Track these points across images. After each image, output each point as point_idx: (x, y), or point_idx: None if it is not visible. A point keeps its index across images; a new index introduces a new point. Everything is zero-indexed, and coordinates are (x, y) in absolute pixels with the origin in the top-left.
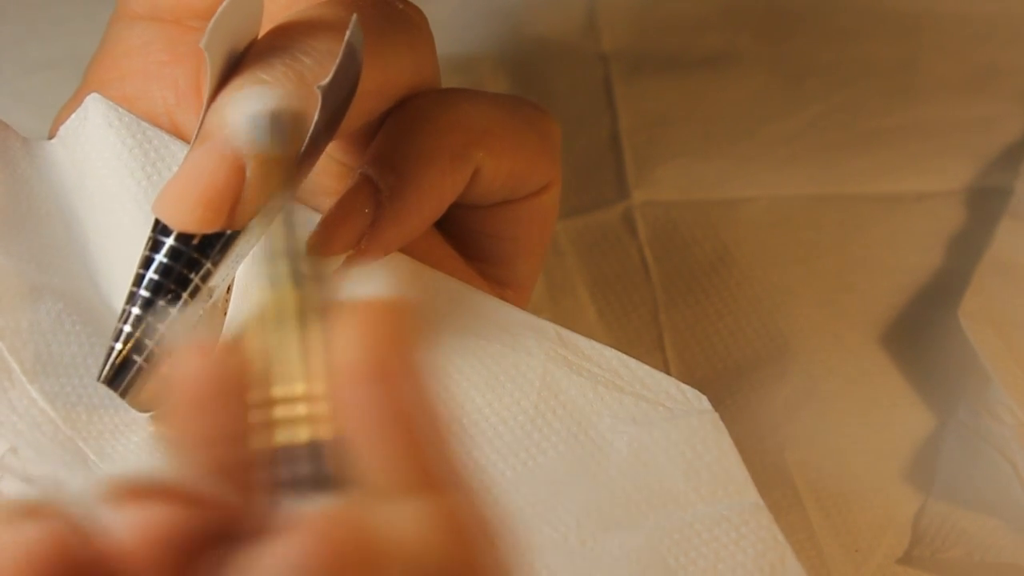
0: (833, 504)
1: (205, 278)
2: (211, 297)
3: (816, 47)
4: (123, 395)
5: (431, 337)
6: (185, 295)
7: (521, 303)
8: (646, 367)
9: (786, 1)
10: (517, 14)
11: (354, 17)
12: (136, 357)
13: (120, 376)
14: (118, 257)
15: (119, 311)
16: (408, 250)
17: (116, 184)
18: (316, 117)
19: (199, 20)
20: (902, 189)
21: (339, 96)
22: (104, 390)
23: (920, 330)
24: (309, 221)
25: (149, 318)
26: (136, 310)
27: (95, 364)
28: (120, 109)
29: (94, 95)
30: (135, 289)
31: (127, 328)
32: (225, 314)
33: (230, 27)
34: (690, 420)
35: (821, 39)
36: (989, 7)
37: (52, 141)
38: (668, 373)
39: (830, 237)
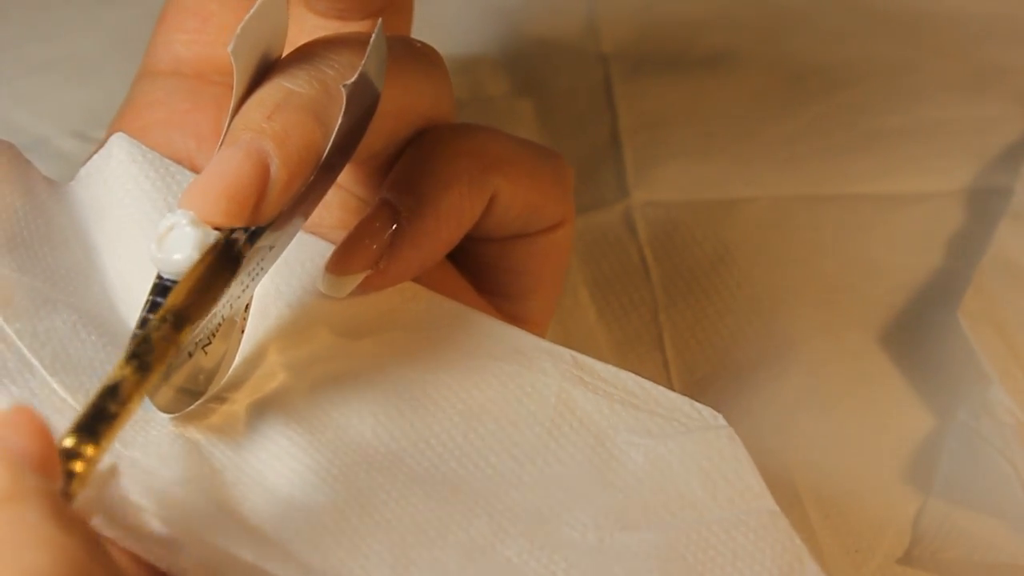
0: (833, 504)
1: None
2: (234, 299)
3: (816, 47)
4: None
5: (448, 358)
6: None
7: None
8: (661, 388)
9: (786, 1)
10: (517, 15)
11: (379, 22)
12: None
13: (144, 342)
14: (139, 285)
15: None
16: (423, 283)
17: (139, 213)
18: (339, 122)
19: (221, 75)
20: (902, 189)
21: (362, 104)
22: None
23: (921, 330)
24: (324, 252)
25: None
26: (160, 299)
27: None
28: (143, 146)
29: (119, 134)
30: (159, 280)
31: (151, 316)
32: (243, 332)
33: (256, 35)
34: (706, 434)
35: (821, 39)
36: (989, 7)
37: (73, 182)
38: (668, 373)
39: (830, 237)
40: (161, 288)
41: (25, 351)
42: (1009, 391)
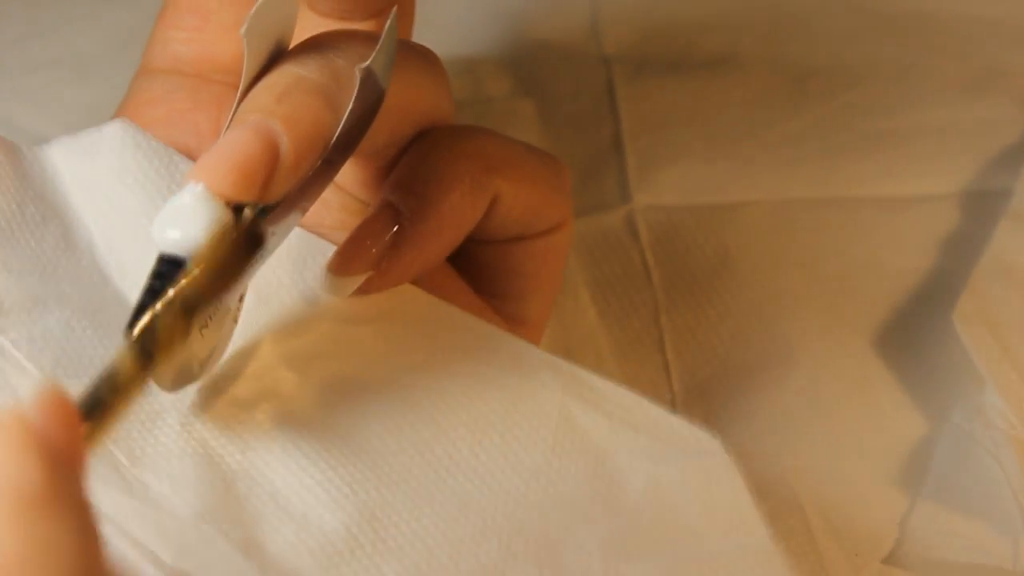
0: (833, 508)
1: None
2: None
3: (818, 49)
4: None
5: (449, 364)
6: None
7: (533, 341)
8: (658, 408)
9: (788, 3)
10: (520, 16)
11: (393, 12)
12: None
13: (149, 331)
14: (133, 263)
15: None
16: (422, 285)
17: (143, 198)
18: (350, 107)
19: (221, 74)
20: (904, 192)
21: (369, 97)
22: None
23: (920, 334)
24: (326, 251)
25: (180, 278)
26: (160, 283)
27: None
28: (147, 134)
29: (124, 119)
30: (160, 263)
31: (156, 283)
32: (236, 322)
33: (269, 19)
34: (703, 461)
35: (823, 42)
36: (990, 9)
37: (46, 145)
38: (668, 375)
39: (832, 240)
40: (161, 273)
41: (24, 361)
42: (1002, 394)
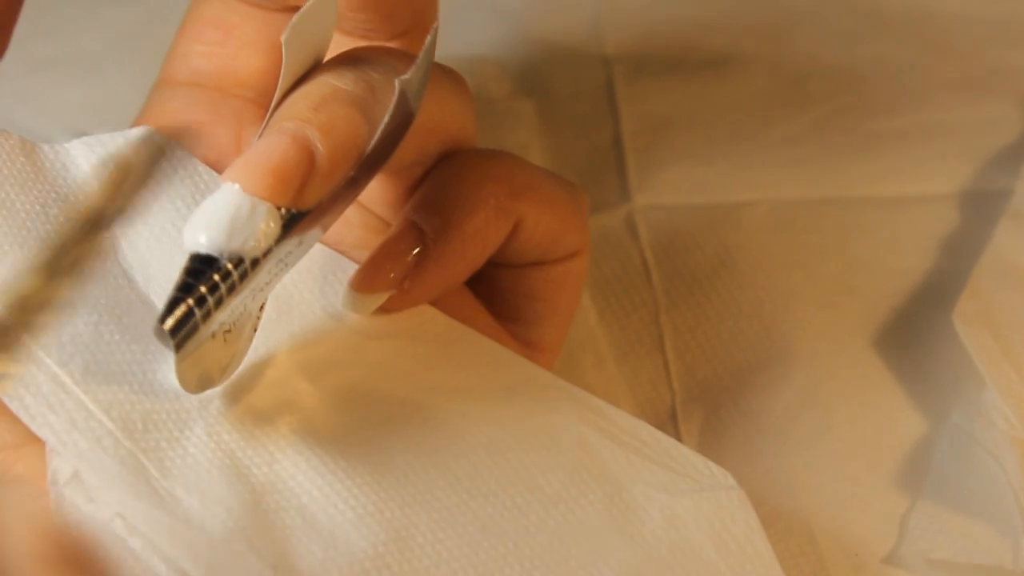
0: (833, 508)
1: (267, 251)
2: (269, 279)
3: (818, 49)
4: (177, 348)
5: (469, 385)
6: (246, 263)
7: (547, 367)
8: (672, 440)
9: (788, 3)
10: (522, 17)
11: (435, 27)
12: (196, 310)
13: (180, 326)
14: (160, 270)
15: (160, 305)
16: (440, 306)
17: (166, 203)
18: (386, 120)
19: (241, 88)
20: (904, 192)
21: (398, 116)
22: (157, 352)
23: (921, 333)
24: (347, 268)
25: (213, 276)
26: (191, 279)
27: (139, 370)
28: (171, 141)
29: (147, 126)
30: (193, 261)
31: (190, 280)
32: (255, 330)
33: (308, 30)
34: (718, 494)
35: (823, 41)
36: (991, 9)
37: (67, 144)
38: (668, 375)
39: (832, 240)
40: (194, 270)
41: (54, 367)
42: (1002, 394)
